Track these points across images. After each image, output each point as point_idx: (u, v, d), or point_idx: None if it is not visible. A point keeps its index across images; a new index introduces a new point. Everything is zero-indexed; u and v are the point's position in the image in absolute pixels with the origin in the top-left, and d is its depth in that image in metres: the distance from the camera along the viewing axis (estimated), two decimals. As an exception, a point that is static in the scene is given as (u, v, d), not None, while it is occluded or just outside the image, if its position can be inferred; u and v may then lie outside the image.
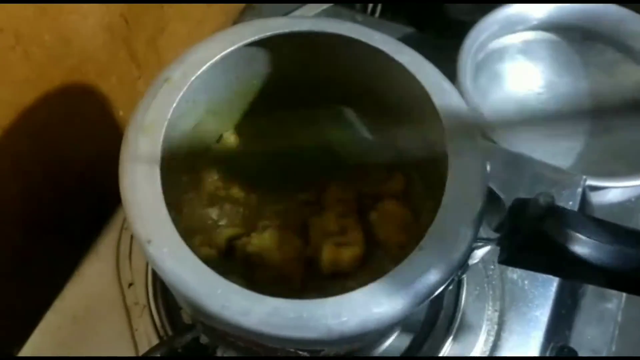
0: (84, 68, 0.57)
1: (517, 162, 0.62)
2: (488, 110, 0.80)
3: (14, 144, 0.50)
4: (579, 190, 0.60)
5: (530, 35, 0.85)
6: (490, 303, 0.53)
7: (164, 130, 0.35)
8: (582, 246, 0.34)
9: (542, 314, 0.53)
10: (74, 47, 0.54)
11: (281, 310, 0.30)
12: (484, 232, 0.38)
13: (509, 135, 0.76)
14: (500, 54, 0.84)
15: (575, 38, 0.83)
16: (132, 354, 0.49)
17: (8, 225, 0.53)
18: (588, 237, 0.34)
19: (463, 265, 0.34)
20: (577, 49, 0.84)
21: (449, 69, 0.74)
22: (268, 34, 0.39)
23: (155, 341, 0.49)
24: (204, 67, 0.38)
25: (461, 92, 0.72)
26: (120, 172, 0.34)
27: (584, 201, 0.61)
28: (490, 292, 0.54)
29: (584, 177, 0.61)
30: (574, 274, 0.36)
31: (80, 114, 0.59)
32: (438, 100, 0.39)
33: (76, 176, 0.60)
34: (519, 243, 0.36)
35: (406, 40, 0.94)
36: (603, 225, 0.35)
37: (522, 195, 0.58)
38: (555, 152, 0.78)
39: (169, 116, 0.35)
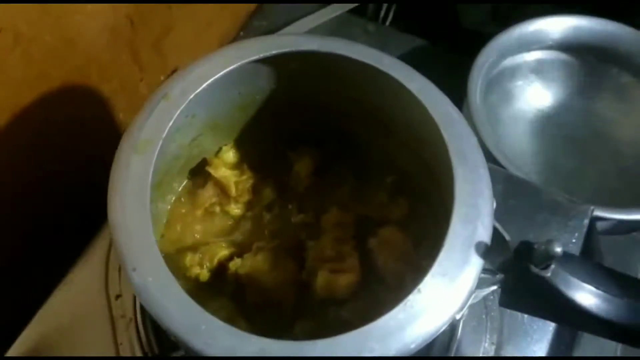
0: (85, 70, 0.55)
1: (523, 188, 0.60)
2: (497, 129, 0.78)
3: (9, 145, 0.49)
4: (586, 221, 0.58)
5: (545, 54, 0.83)
6: (488, 336, 0.51)
7: (157, 149, 0.33)
8: (589, 297, 0.32)
9: (540, 349, 0.51)
10: (77, 49, 0.53)
11: (267, 351, 0.29)
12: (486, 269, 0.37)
13: (516, 157, 0.75)
14: (512, 72, 0.83)
15: (590, 60, 0.81)
16: (115, 368, 0.48)
17: (0, 227, 0.52)
18: (596, 287, 0.32)
19: (462, 309, 0.33)
20: (591, 72, 0.82)
21: (461, 83, 0.73)
22: (273, 52, 0.38)
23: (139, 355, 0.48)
24: (205, 84, 0.36)
25: (470, 111, 0.71)
26: (109, 193, 0.32)
27: (590, 232, 0.59)
28: (489, 324, 0.52)
29: (592, 207, 0.59)
30: (579, 324, 0.35)
31: (80, 116, 0.57)
32: (446, 130, 0.37)
33: (73, 179, 0.58)
34: (523, 288, 0.34)
35: (417, 52, 0.92)
36: (612, 275, 0.33)
37: (526, 222, 0.57)
38: (562, 176, 0.77)
39: (164, 135, 0.34)
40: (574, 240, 0.57)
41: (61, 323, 0.49)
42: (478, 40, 0.77)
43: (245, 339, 0.29)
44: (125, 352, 0.49)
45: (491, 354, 0.51)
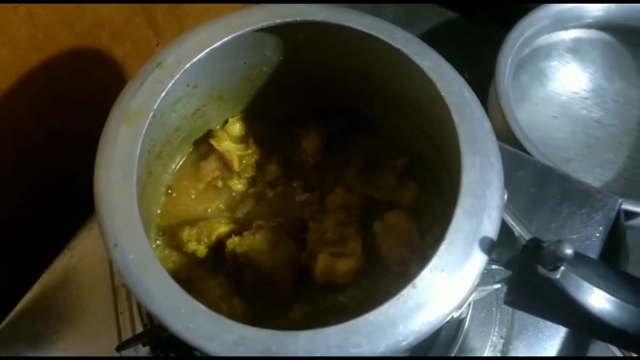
0: (96, 32, 0.54)
1: (547, 176, 0.56)
2: (525, 111, 0.74)
3: (13, 106, 0.48)
4: (613, 214, 0.55)
5: (583, 33, 0.78)
6: (496, 328, 0.49)
7: (148, 121, 0.32)
8: (601, 303, 0.30)
9: (551, 346, 0.49)
10: (86, 9, 0.51)
11: (248, 339, 0.27)
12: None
13: (544, 142, 0.71)
14: (547, 51, 0.78)
15: (632, 41, 0.76)
16: (114, 337, 0.47)
17: (4, 189, 0.52)
18: (609, 293, 0.30)
19: (461, 307, 0.31)
20: (633, 54, 0.77)
21: (492, 59, 0.69)
22: (277, 21, 0.35)
23: (138, 326, 0.48)
24: (203, 53, 0.34)
25: (497, 90, 0.67)
26: (95, 164, 0.31)
27: (617, 226, 0.56)
28: (498, 317, 0.50)
29: (620, 200, 0.55)
30: (588, 330, 0.32)
31: (90, 79, 0.56)
32: (457, 113, 0.34)
33: (80, 142, 0.58)
34: (529, 288, 0.32)
35: (449, 24, 0.87)
36: (628, 280, 0.31)
37: (548, 213, 0.54)
38: (595, 163, 0.72)
39: (155, 106, 0.32)
40: (597, 234, 0.53)
41: (64, 288, 0.49)
42: (516, 13, 0.73)
43: (225, 326, 0.28)
44: (125, 321, 0.48)
45: (499, 348, 0.49)
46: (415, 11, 0.82)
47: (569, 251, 0.28)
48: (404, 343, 0.29)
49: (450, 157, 0.38)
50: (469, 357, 0.48)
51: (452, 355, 0.47)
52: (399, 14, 0.83)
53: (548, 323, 0.49)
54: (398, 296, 0.29)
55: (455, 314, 0.31)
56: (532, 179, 0.56)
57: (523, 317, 0.49)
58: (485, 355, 0.48)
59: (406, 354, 0.46)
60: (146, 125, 0.31)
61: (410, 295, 0.29)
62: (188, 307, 0.28)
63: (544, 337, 0.49)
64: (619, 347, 0.32)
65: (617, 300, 0.30)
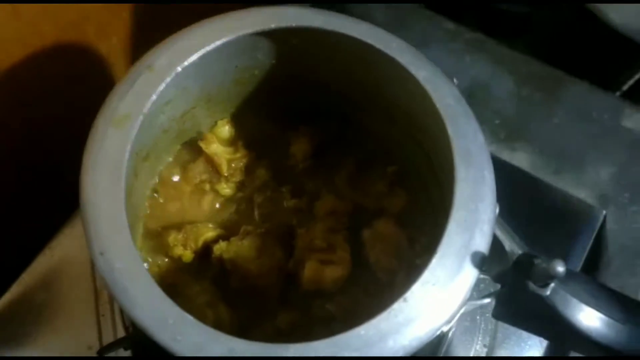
0: (81, 26, 0.52)
1: (534, 187, 0.57)
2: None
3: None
4: (597, 225, 0.56)
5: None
6: (480, 337, 0.50)
7: (138, 125, 0.31)
8: (589, 320, 0.30)
9: (534, 355, 0.49)
10: (71, 3, 0.50)
11: (237, 352, 0.27)
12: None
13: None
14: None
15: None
16: (95, 340, 0.47)
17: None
18: (597, 310, 0.30)
19: (451, 321, 0.30)
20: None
21: (479, 64, 0.67)
22: (273, 26, 0.35)
23: (120, 329, 0.47)
24: (195, 56, 0.34)
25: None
26: (82, 168, 0.30)
27: (601, 237, 0.56)
28: (482, 326, 0.50)
29: (604, 212, 0.56)
30: (575, 346, 0.32)
31: (75, 75, 0.55)
32: (452, 125, 0.34)
33: (62, 138, 0.56)
34: (519, 302, 0.32)
35: (441, 30, 0.86)
36: (617, 298, 0.31)
37: (533, 223, 0.55)
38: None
39: (145, 110, 0.31)
40: (582, 246, 0.54)
41: (44, 289, 0.48)
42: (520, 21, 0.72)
43: (213, 337, 0.27)
44: (106, 323, 0.48)
45: (482, 357, 0.49)
46: (405, 14, 0.82)
47: (560, 269, 0.28)
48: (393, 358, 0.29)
49: (440, 168, 0.38)
50: (456, 358, 0.48)
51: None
52: (389, 17, 0.82)
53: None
54: (389, 310, 0.29)
55: (445, 328, 0.31)
56: (517, 189, 0.56)
57: (506, 326, 0.49)
58: (468, 362, 0.49)
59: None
60: (136, 129, 0.31)
61: (401, 309, 0.29)
62: (176, 318, 0.28)
63: (527, 346, 0.49)
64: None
65: (606, 318, 0.30)
